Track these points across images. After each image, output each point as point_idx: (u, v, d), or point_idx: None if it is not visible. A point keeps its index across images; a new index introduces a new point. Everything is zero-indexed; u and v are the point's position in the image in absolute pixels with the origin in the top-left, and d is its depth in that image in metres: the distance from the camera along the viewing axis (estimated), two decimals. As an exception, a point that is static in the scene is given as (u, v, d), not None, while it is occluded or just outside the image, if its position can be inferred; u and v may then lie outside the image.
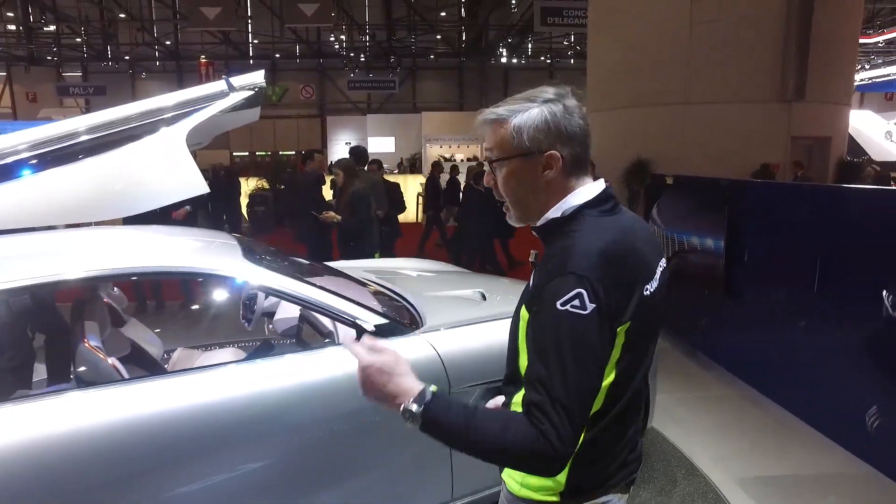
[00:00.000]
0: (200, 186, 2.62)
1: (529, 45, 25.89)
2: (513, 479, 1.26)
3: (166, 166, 2.60)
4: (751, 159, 9.17)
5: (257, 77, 3.07)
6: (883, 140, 22.96)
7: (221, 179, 11.13)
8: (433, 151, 25.31)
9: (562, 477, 1.17)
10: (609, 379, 1.12)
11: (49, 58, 27.31)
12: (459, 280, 3.24)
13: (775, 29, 9.12)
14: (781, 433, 3.60)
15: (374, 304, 2.46)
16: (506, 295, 2.86)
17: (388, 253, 6.25)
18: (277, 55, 28.58)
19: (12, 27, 25.23)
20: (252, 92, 3.01)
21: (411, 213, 14.80)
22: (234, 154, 27.43)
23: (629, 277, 1.10)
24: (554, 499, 1.19)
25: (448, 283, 3.12)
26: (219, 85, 3.00)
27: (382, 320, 2.27)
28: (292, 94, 30.19)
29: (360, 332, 2.16)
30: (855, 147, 15.98)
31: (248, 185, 13.00)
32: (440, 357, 2.22)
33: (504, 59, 26.43)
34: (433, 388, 1.10)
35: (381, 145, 27.15)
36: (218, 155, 27.72)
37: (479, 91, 29.77)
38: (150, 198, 2.57)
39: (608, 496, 1.22)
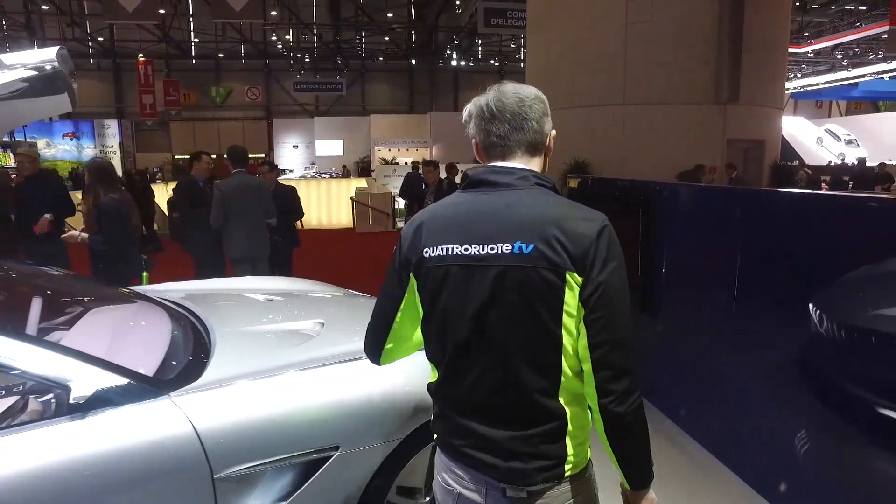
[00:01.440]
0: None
1: (479, 48, 25.58)
2: None
3: None
4: (689, 162, 8.95)
5: (44, 54, 2.45)
6: (815, 145, 23.67)
7: (135, 185, 10.23)
8: (382, 154, 24.83)
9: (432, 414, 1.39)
10: (418, 327, 1.36)
11: (-29, 55, 25.59)
12: (309, 306, 2.70)
13: (708, 31, 8.98)
14: (695, 477, 3.14)
15: (124, 351, 1.87)
16: (349, 325, 2.36)
17: (285, 265, 5.68)
18: (221, 55, 27.54)
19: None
20: (35, 72, 2.39)
21: (335, 219, 14.25)
22: (176, 157, 26.29)
23: (421, 237, 1.28)
24: (434, 436, 1.38)
25: (288, 311, 2.58)
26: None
27: (113, 381, 1.53)
28: (237, 96, 29.21)
29: (62, 400, 1.49)
30: (789, 151, 16.20)
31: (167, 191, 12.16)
32: (197, 433, 1.56)
33: (454, 62, 26.07)
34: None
35: (329, 148, 26.52)
36: (160, 158, 26.78)
37: (430, 94, 29.35)
38: None
39: (458, 466, 1.30)
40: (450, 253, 1.22)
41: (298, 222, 6.24)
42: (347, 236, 12.53)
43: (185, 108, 27.65)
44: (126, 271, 4.00)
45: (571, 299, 1.17)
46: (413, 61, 27.51)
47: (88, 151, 27.14)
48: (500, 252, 1.19)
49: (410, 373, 1.92)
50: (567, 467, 1.23)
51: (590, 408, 1.24)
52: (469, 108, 1.31)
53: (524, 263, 1.17)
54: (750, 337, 3.12)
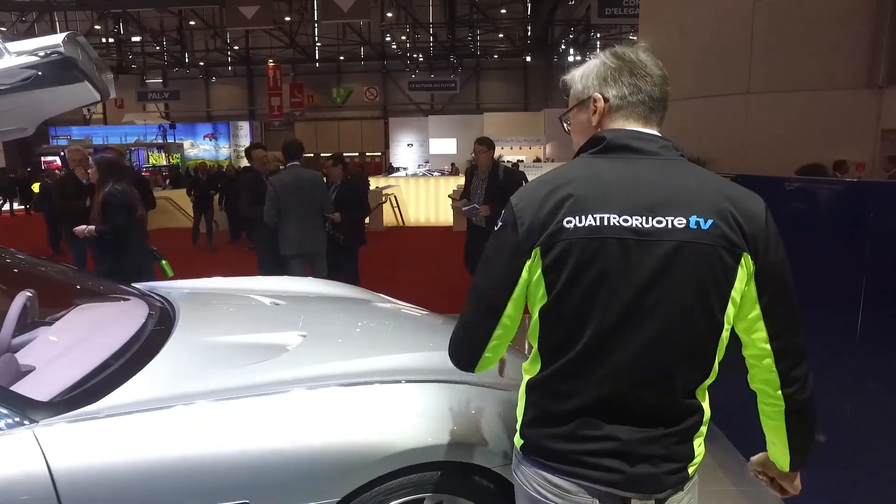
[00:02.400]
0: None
1: (598, 41, 24.37)
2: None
3: None
4: (827, 156, 7.66)
5: (49, 40, 2.32)
6: None
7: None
8: (496, 152, 24.44)
9: (520, 419, 1.19)
10: (536, 314, 1.12)
11: (134, 66, 28.77)
12: (311, 314, 2.38)
13: (859, 2, 7.60)
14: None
15: (63, 359, 1.65)
16: (332, 341, 2.03)
17: (349, 263, 5.47)
18: (342, 57, 28.65)
19: (106, 40, 26.72)
20: (39, 58, 2.27)
21: (441, 217, 14.03)
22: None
23: (552, 205, 1.08)
24: (518, 443, 1.20)
25: (279, 319, 2.26)
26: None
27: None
28: (356, 96, 30.25)
29: None
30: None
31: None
32: (51, 474, 1.24)
33: (570, 57, 25.06)
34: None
35: (442, 147, 26.66)
36: (273, 156, 28.33)
37: (545, 91, 28.53)
38: None
39: (559, 478, 1.11)
40: (606, 224, 1.05)
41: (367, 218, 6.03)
42: (443, 235, 12.31)
43: (308, 109, 29.10)
44: (138, 263, 4.00)
45: (740, 284, 1.07)
46: (528, 58, 26.83)
47: (224, 151, 29.49)
48: (670, 226, 1.05)
49: (354, 418, 1.57)
50: (690, 470, 1.14)
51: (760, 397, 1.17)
52: (600, 60, 1.17)
53: (702, 241, 1.04)
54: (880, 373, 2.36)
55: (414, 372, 1.82)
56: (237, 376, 1.66)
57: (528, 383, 1.16)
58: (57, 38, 2.45)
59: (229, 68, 30.24)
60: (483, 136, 5.00)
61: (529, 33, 26.23)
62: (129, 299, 2.36)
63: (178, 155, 27.90)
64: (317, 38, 28.19)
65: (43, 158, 26.68)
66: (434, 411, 1.63)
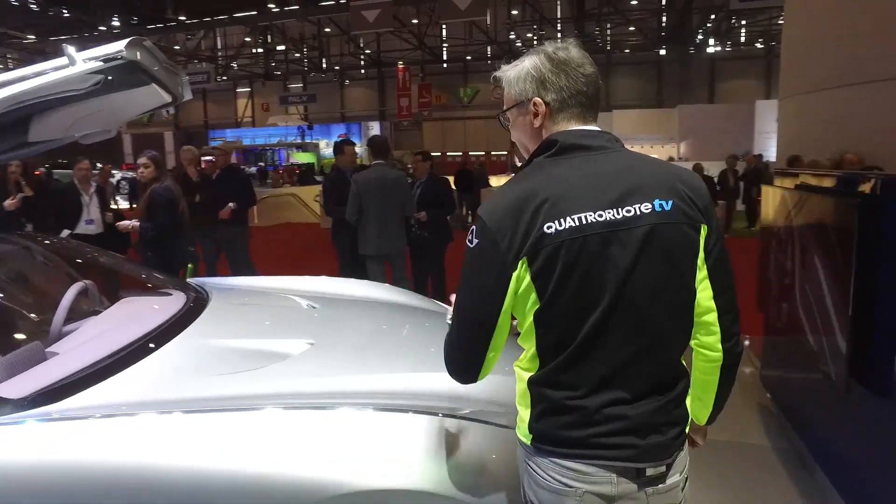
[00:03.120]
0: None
1: (742, 29, 22.31)
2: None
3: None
4: None
5: (113, 47, 2.42)
6: None
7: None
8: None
9: (526, 417, 1.20)
10: (529, 319, 1.15)
11: (278, 73, 31.19)
12: (338, 318, 2.28)
13: None
14: None
15: (79, 355, 1.65)
16: (336, 353, 1.91)
17: (434, 262, 5.33)
18: (469, 57, 28.89)
19: (255, 50, 29.30)
20: (104, 63, 2.38)
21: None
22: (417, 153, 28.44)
23: (527, 215, 1.11)
24: (527, 441, 1.22)
25: (299, 325, 2.15)
26: (62, 59, 2.42)
27: None
28: (483, 95, 30.34)
29: None
30: None
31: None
32: None
33: (710, 48, 23.17)
34: None
35: (568, 146, 25.79)
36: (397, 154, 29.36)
37: (680, 86, 26.72)
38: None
39: (577, 463, 1.15)
40: (585, 222, 1.11)
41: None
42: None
43: (435, 109, 29.70)
44: (172, 261, 4.10)
45: (701, 252, 1.17)
46: (662, 51, 25.24)
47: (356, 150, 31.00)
48: (638, 213, 1.13)
49: (316, 446, 1.41)
50: (687, 429, 1.24)
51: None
52: (534, 63, 1.20)
53: (669, 220, 1.14)
54: None
55: (418, 397, 1.62)
56: (217, 386, 1.57)
57: (531, 380, 1.19)
58: (120, 44, 2.55)
59: (362, 71, 31.70)
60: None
61: (664, 24, 24.65)
62: (171, 294, 2.40)
63: (315, 154, 29.78)
64: (444, 39, 28.66)
65: (202, 158, 29.78)
66: (416, 447, 1.43)
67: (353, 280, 3.12)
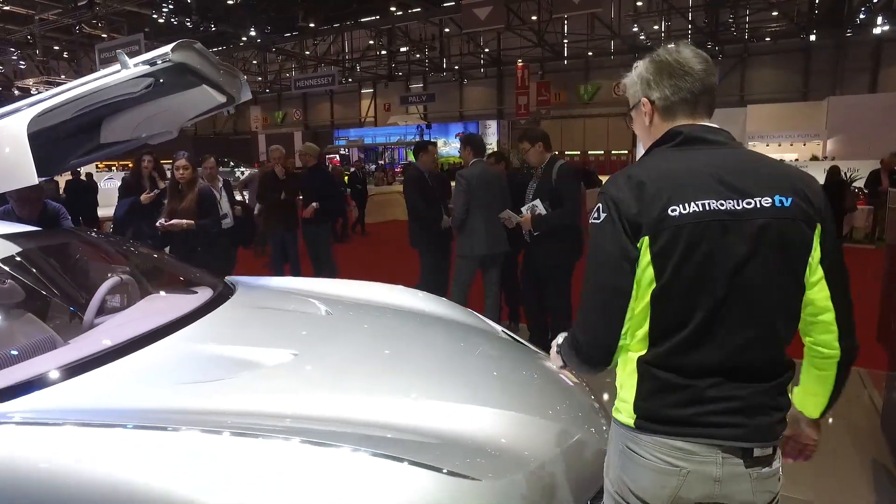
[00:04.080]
0: (28, 178, 2.24)
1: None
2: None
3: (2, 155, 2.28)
4: None
5: (161, 51, 2.53)
6: None
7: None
8: (759, 150, 21.29)
9: (630, 397, 1.24)
10: (645, 298, 1.20)
11: (399, 74, 32.14)
12: (346, 329, 2.15)
13: None
14: None
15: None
16: (316, 368, 1.76)
17: (510, 273, 5.05)
18: (590, 53, 27.89)
19: (378, 53, 30.47)
20: (151, 67, 2.49)
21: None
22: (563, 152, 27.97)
23: (650, 197, 1.18)
24: (630, 421, 1.25)
25: (298, 332, 2.06)
26: (116, 66, 2.56)
27: None
28: (604, 93, 29.15)
29: None
30: None
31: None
32: None
33: (876, 29, 20.36)
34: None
35: (696, 144, 24.05)
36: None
37: (833, 75, 23.90)
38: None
39: (684, 441, 1.20)
40: (707, 209, 1.17)
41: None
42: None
43: (554, 107, 29.01)
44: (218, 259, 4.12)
45: (815, 250, 1.21)
46: (812, 36, 22.67)
47: (473, 149, 31.13)
48: (758, 206, 1.18)
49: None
50: (787, 418, 1.26)
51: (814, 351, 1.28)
52: (642, 67, 1.31)
53: (786, 216, 1.18)
54: None
55: (394, 430, 1.46)
56: (165, 397, 1.51)
57: (640, 360, 1.23)
58: (167, 48, 2.64)
59: (481, 70, 31.74)
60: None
61: (817, 5, 22.10)
62: (197, 293, 2.44)
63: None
64: (565, 35, 27.91)
65: (327, 156, 31.57)
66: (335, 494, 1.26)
67: (411, 291, 2.98)
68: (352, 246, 10.84)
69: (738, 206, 1.17)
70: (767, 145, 21.63)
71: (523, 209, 4.09)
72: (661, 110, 1.28)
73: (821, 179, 10.25)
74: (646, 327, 1.21)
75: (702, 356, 1.19)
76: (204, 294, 2.43)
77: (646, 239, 1.17)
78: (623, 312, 1.21)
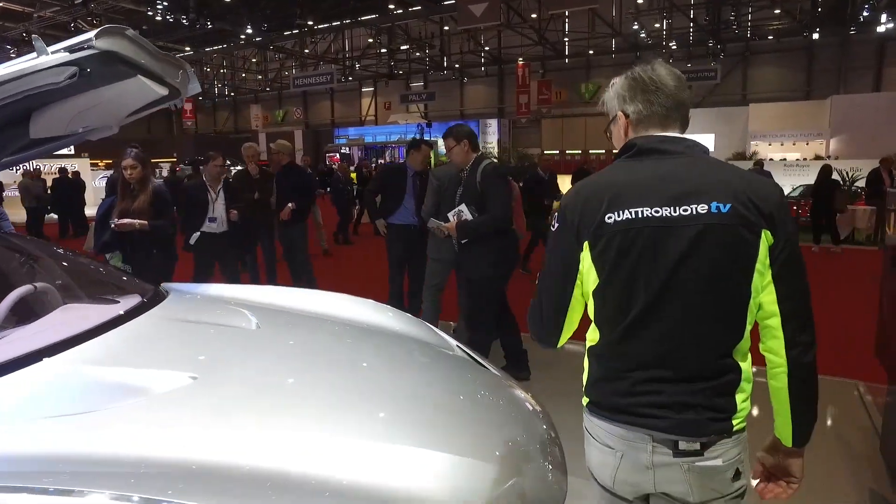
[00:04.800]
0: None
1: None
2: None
3: None
4: None
5: (83, 37, 2.30)
6: None
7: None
8: (760, 149, 21.05)
9: (585, 382, 1.39)
10: (589, 294, 1.34)
11: (399, 72, 31.89)
12: (272, 346, 1.93)
13: None
14: None
15: None
16: (207, 398, 1.53)
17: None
18: (591, 52, 27.60)
19: (379, 51, 30.23)
20: (71, 54, 2.27)
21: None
22: (545, 152, 27.69)
23: (593, 206, 1.29)
24: (585, 403, 1.40)
25: (210, 351, 1.84)
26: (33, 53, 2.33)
27: None
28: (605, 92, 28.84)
29: None
30: None
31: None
32: None
33: (881, 27, 20.02)
34: None
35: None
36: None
37: (837, 74, 23.56)
38: None
39: (620, 427, 1.30)
40: (640, 216, 1.25)
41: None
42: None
43: (555, 106, 28.71)
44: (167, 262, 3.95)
45: (763, 256, 1.23)
46: (815, 34, 22.34)
47: (473, 149, 30.86)
48: (694, 213, 1.24)
49: None
50: (735, 422, 1.28)
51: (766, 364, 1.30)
52: (619, 83, 1.39)
53: (723, 222, 1.23)
54: None
55: (272, 484, 1.23)
56: (15, 434, 1.28)
57: (591, 349, 1.37)
58: (90, 34, 2.41)
59: (482, 69, 31.48)
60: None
61: (820, 3, 21.76)
62: (119, 302, 2.21)
63: (433, 151, 30.07)
64: (566, 34, 27.62)
65: (328, 155, 31.36)
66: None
67: (372, 304, 2.74)
68: (353, 249, 10.58)
69: (675, 213, 1.24)
70: (770, 144, 21.34)
71: (449, 215, 3.72)
72: (635, 123, 1.36)
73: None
74: (593, 321, 1.35)
75: (637, 349, 1.28)
76: (126, 304, 2.21)
77: (586, 244, 1.29)
78: (564, 308, 1.35)
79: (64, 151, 23.32)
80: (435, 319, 4.42)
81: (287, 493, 1.20)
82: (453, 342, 2.51)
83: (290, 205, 5.38)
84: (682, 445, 1.25)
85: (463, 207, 3.67)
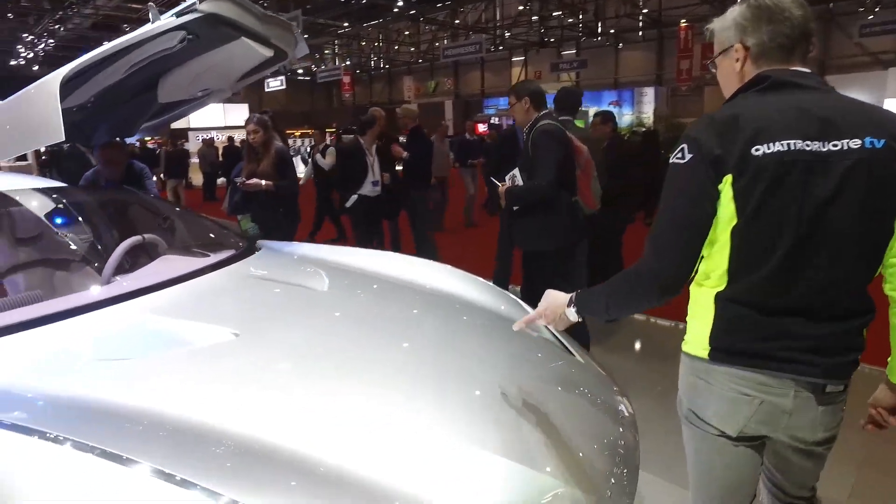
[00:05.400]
0: (55, 135, 2.26)
1: None
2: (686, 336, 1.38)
3: (36, 112, 2.32)
4: None
5: (189, 0, 2.42)
6: None
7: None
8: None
9: (705, 331, 1.30)
10: (725, 235, 1.24)
11: (551, 40, 30.91)
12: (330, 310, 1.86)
13: None
14: None
15: None
16: (250, 357, 1.48)
17: (612, 251, 4.43)
18: (769, 7, 24.49)
19: (530, 19, 29.55)
20: (177, 18, 2.41)
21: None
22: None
23: (734, 137, 1.20)
24: (703, 353, 1.31)
25: (263, 307, 1.82)
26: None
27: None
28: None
29: None
30: None
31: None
32: None
33: None
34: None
35: (898, 110, 20.24)
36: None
37: None
38: (13, 144, 2.35)
39: (759, 373, 1.25)
40: (792, 149, 1.19)
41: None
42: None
43: (721, 72, 26.11)
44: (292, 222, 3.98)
45: None
46: None
47: (627, 118, 29.17)
48: (846, 148, 1.19)
49: None
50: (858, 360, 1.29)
51: None
52: (737, 12, 1.29)
53: (877, 157, 1.18)
54: None
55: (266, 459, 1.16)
56: (58, 376, 1.34)
57: (718, 296, 1.27)
58: None
59: (639, 33, 29.46)
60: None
61: None
62: (210, 255, 2.32)
63: (583, 121, 28.88)
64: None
65: (478, 125, 31.52)
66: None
67: (465, 276, 2.63)
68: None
69: (824, 147, 1.18)
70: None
71: (507, 178, 3.40)
72: (755, 56, 1.28)
73: None
74: (725, 264, 1.24)
75: (781, 294, 1.22)
76: (216, 258, 2.30)
77: (729, 177, 1.20)
78: (698, 249, 1.25)
79: (233, 122, 25.74)
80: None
81: (270, 469, 1.12)
82: (543, 322, 2.31)
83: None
84: (829, 388, 1.24)
85: (516, 172, 3.37)
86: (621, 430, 1.63)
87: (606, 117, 4.72)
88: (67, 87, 2.47)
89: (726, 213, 1.21)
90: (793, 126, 1.19)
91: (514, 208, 3.39)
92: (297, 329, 1.73)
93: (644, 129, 18.64)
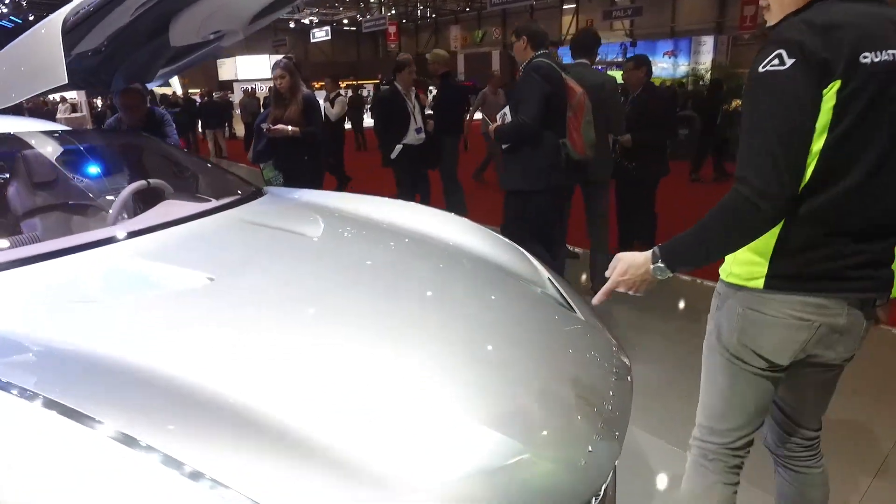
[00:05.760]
0: (58, 77, 2.25)
1: None
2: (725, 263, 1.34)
3: (38, 56, 2.31)
4: None
5: None
6: None
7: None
8: None
9: (763, 258, 1.24)
10: (818, 143, 1.15)
11: (606, -17, 29.43)
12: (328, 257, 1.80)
13: None
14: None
15: None
16: (220, 302, 1.45)
17: (647, 202, 4.23)
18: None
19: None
20: None
21: None
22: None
23: (839, 42, 1.11)
24: (757, 283, 1.26)
25: (243, 251, 1.78)
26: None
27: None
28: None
29: None
30: None
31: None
32: None
33: None
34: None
35: None
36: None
37: None
38: (18, 88, 2.35)
39: (818, 297, 1.22)
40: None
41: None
42: None
43: (788, 18, 24.40)
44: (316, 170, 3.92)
45: None
46: None
47: (682, 69, 27.76)
48: None
49: None
50: None
51: None
52: None
53: None
54: None
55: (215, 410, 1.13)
56: (16, 318, 1.33)
57: (791, 222, 1.21)
58: None
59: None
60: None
61: None
62: (212, 200, 2.30)
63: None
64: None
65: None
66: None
67: (474, 227, 2.55)
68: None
69: None
70: None
71: (498, 116, 3.36)
72: None
73: None
74: (803, 181, 1.17)
75: (851, 211, 1.18)
76: (217, 203, 2.28)
77: (837, 83, 1.11)
78: (804, 162, 1.15)
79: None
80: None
81: (224, 426, 1.08)
82: (546, 276, 2.20)
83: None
84: (878, 302, 1.26)
85: (506, 110, 3.31)
86: (611, 392, 1.54)
87: (640, 61, 4.42)
88: (77, 31, 2.45)
89: (820, 124, 1.14)
90: (891, 36, 1.13)
91: (503, 147, 3.37)
92: (277, 275, 1.68)
93: (702, 81, 17.69)
